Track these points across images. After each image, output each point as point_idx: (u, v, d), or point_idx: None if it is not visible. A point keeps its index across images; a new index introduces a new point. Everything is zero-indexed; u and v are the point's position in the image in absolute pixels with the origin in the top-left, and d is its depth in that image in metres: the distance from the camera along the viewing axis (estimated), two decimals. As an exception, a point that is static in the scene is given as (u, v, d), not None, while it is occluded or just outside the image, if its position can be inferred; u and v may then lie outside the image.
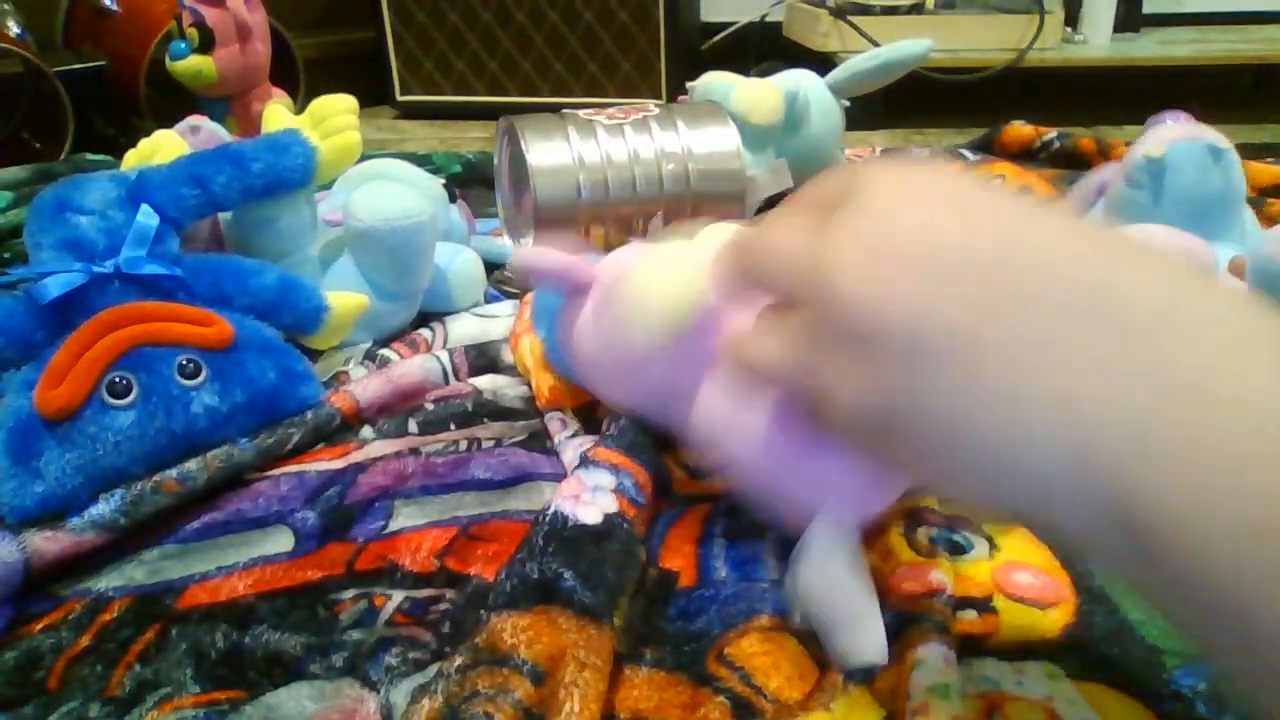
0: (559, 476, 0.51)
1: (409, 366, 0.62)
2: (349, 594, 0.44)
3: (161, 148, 0.71)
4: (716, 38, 1.70)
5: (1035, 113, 1.25)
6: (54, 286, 0.55)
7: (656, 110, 0.88)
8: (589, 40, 1.60)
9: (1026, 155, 1.17)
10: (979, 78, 1.44)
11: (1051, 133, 1.17)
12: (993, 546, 0.45)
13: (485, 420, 0.59)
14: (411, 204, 0.67)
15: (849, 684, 0.37)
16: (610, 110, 0.87)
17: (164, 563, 0.47)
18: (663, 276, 0.43)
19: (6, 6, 1.30)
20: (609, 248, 0.84)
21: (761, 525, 0.46)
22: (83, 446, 0.48)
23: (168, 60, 1.21)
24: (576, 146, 0.82)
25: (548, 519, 0.43)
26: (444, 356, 0.65)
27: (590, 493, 0.45)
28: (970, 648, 0.38)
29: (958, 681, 0.34)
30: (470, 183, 1.16)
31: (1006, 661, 0.38)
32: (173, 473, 0.50)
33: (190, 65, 1.19)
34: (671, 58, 1.58)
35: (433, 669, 0.38)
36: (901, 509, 0.45)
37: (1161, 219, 0.64)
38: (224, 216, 0.71)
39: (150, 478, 0.49)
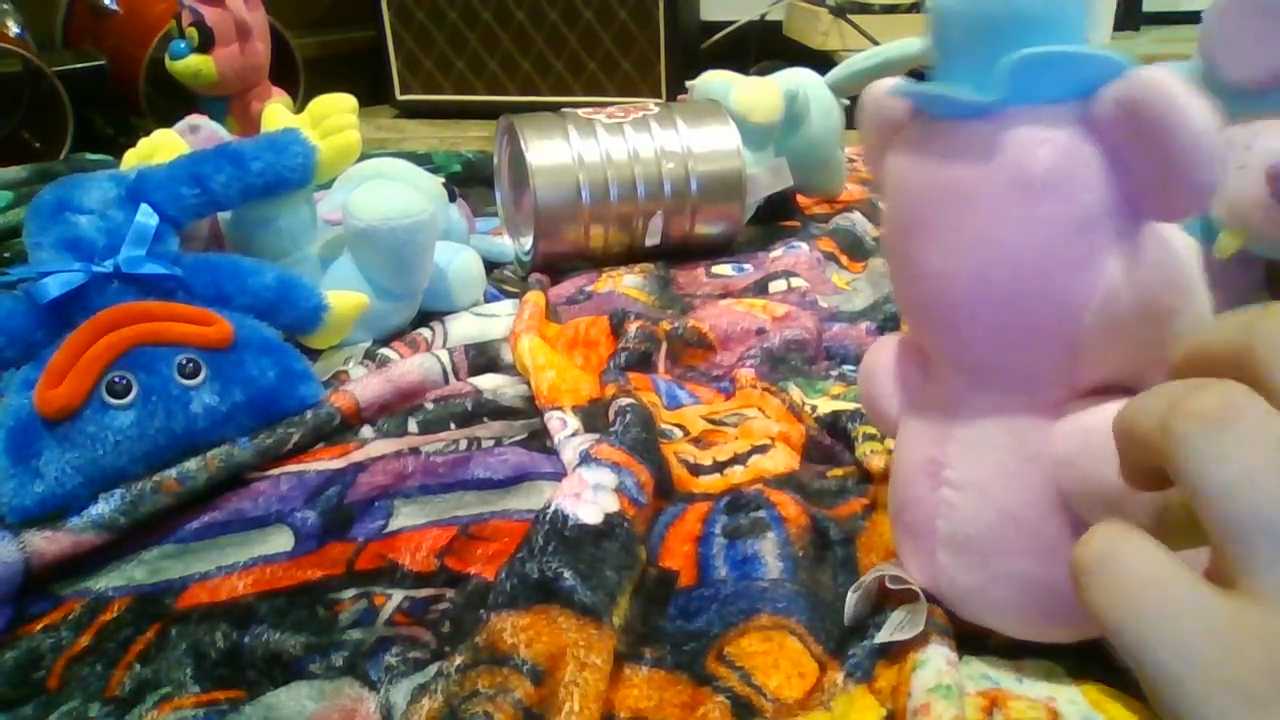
0: (559, 476, 0.51)
1: (409, 366, 0.62)
2: (349, 594, 0.44)
3: (161, 147, 0.70)
4: (716, 37, 1.70)
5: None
6: (54, 286, 0.55)
7: (656, 109, 0.88)
8: (589, 39, 1.60)
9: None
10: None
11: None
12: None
13: (485, 420, 0.59)
14: (411, 204, 0.67)
15: (849, 683, 0.37)
16: (610, 109, 0.87)
17: (164, 563, 0.46)
18: None
19: (6, 6, 1.30)
20: (608, 247, 0.85)
21: (761, 524, 0.46)
22: (82, 446, 0.48)
23: (167, 60, 1.21)
24: (576, 146, 0.82)
25: (548, 518, 0.43)
26: (444, 356, 0.65)
27: (591, 491, 0.45)
28: (970, 646, 0.38)
29: (958, 681, 0.34)
30: (470, 182, 1.16)
31: (1007, 660, 0.38)
32: (173, 473, 0.50)
33: (190, 65, 1.19)
34: (671, 57, 1.58)
35: (432, 669, 0.38)
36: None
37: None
38: (224, 216, 0.71)
39: (150, 478, 0.49)
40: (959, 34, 0.32)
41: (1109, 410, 0.32)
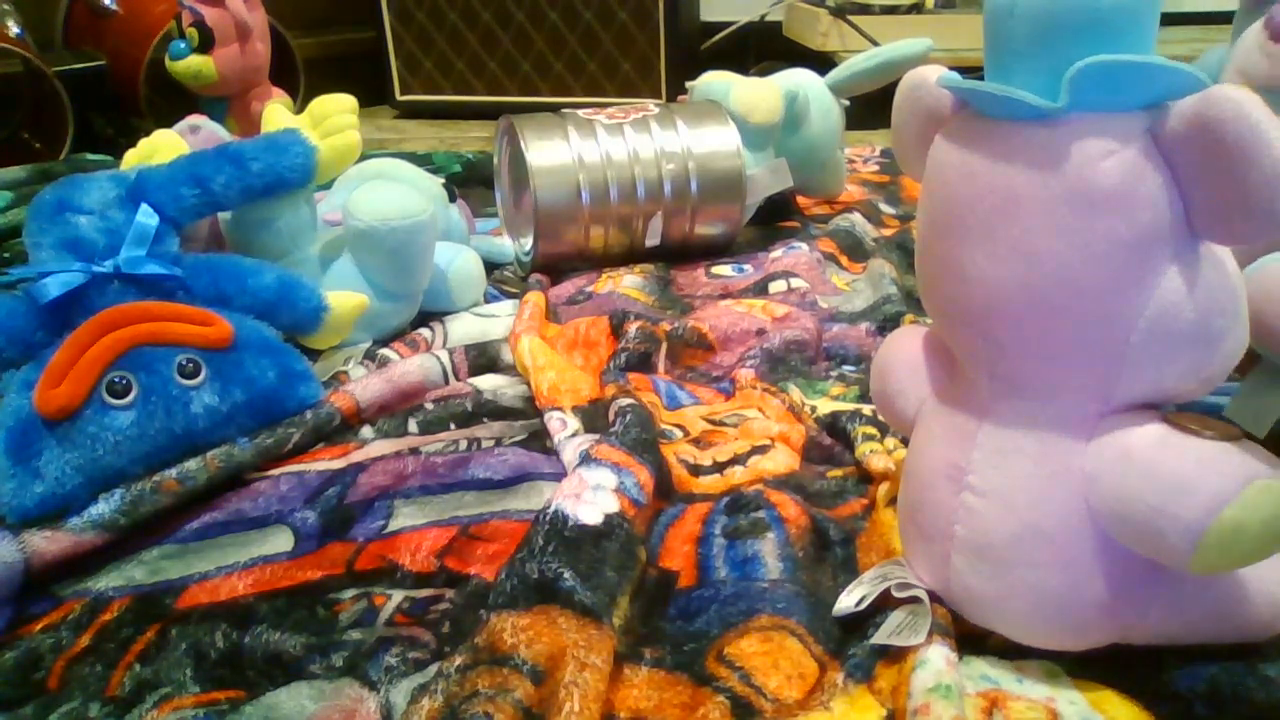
0: (559, 476, 0.51)
1: (409, 366, 0.62)
2: (349, 594, 0.44)
3: (161, 148, 0.70)
4: (716, 37, 1.70)
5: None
6: (54, 286, 0.55)
7: (656, 110, 0.88)
8: (589, 40, 1.60)
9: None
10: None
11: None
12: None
13: (485, 420, 0.59)
14: (411, 204, 0.67)
15: (849, 683, 0.37)
16: (610, 110, 0.87)
17: (164, 563, 0.46)
18: None
19: (6, 6, 1.30)
20: (608, 247, 0.85)
21: (761, 525, 0.46)
22: (82, 446, 0.48)
23: (167, 60, 1.21)
24: (576, 146, 0.82)
25: (548, 518, 0.43)
26: (444, 356, 0.65)
27: (591, 491, 0.45)
28: (970, 646, 0.38)
29: (958, 681, 0.34)
30: (470, 183, 1.16)
31: (1007, 660, 0.38)
32: (173, 473, 0.50)
33: (190, 65, 1.19)
34: (671, 58, 1.58)
35: (433, 669, 0.38)
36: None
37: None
38: (224, 216, 0.71)
39: (150, 478, 0.49)
40: (1026, 33, 0.31)
41: (1149, 433, 0.32)
